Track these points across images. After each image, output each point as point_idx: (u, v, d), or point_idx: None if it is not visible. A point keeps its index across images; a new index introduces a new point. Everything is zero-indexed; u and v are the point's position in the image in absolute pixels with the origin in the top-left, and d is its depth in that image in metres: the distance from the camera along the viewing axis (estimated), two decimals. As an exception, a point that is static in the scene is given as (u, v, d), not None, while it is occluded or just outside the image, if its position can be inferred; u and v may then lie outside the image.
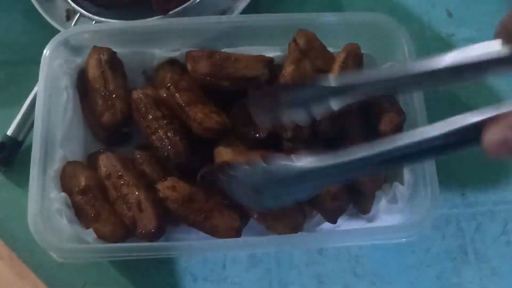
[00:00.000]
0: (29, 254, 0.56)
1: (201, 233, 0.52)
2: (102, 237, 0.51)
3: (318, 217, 0.53)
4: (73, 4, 0.63)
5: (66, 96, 0.56)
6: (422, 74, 0.39)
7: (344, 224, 0.54)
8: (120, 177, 0.52)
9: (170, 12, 0.61)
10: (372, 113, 0.54)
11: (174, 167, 0.53)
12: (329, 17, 0.58)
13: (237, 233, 0.51)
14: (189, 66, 0.56)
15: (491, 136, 0.31)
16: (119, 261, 0.56)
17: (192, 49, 0.57)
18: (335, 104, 0.44)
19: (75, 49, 0.58)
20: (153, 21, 0.60)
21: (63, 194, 0.52)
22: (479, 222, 0.58)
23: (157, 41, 0.58)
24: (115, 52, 0.57)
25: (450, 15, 0.68)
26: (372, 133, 0.54)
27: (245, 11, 0.63)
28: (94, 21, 0.63)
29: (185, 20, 0.59)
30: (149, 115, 0.53)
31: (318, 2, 0.70)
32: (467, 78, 0.38)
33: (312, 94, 0.45)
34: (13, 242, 0.57)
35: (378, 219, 0.54)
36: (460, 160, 0.61)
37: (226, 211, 0.51)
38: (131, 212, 0.51)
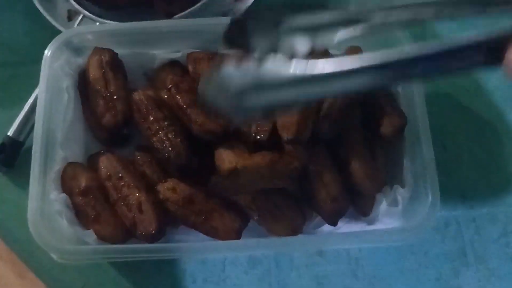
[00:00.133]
0: (29, 254, 0.56)
1: (201, 235, 0.52)
2: (102, 238, 0.51)
3: (318, 219, 0.53)
4: (76, 5, 0.63)
5: (67, 97, 0.56)
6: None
7: (344, 226, 0.54)
8: (121, 178, 0.52)
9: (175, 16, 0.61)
10: (373, 115, 0.54)
11: (175, 169, 0.52)
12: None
13: (237, 235, 0.51)
14: (190, 68, 0.56)
15: None
16: (119, 262, 0.56)
17: (193, 51, 0.57)
18: (343, 34, 0.40)
19: (76, 50, 0.58)
20: (154, 23, 0.59)
21: (63, 195, 0.52)
22: (479, 224, 0.58)
23: (158, 42, 0.58)
24: (116, 53, 0.57)
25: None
26: (372, 136, 0.54)
27: (246, 12, 0.63)
28: (97, 23, 0.63)
29: (186, 22, 0.59)
30: (150, 116, 0.53)
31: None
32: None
33: (323, 20, 0.41)
34: (13, 243, 0.57)
35: (378, 222, 0.54)
36: (460, 162, 0.61)
37: (226, 213, 0.51)
38: (131, 213, 0.51)
